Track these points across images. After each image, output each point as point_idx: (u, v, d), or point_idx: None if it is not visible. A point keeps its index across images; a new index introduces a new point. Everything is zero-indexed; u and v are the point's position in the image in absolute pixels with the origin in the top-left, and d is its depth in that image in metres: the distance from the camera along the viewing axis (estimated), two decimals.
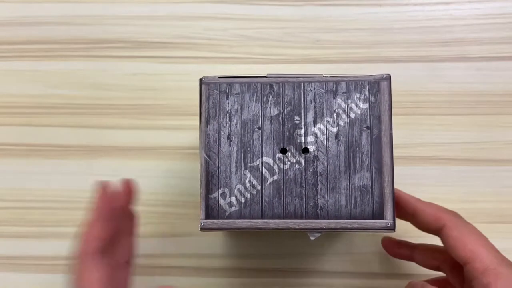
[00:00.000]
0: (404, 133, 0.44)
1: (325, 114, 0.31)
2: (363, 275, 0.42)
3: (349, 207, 0.31)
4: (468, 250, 0.30)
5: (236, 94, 0.32)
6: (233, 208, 0.31)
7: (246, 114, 0.32)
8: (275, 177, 0.31)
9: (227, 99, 0.32)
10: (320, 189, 0.31)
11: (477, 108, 0.44)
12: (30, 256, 0.44)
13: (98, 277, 0.31)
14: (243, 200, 0.31)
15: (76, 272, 0.32)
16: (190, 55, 0.46)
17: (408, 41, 0.45)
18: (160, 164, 0.45)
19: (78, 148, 0.45)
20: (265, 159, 0.31)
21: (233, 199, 0.32)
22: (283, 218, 0.31)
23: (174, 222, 0.44)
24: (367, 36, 0.45)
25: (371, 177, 0.31)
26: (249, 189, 0.31)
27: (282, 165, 0.31)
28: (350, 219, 0.31)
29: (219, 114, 0.32)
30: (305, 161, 0.31)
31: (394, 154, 0.43)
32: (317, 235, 0.31)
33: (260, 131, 0.31)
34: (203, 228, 0.32)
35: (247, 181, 0.31)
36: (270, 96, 0.32)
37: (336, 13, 0.46)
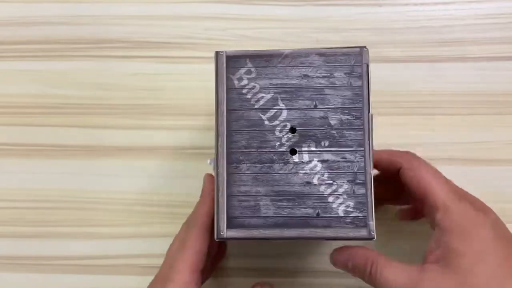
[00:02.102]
0: (404, 133, 0.44)
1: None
2: None
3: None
4: (422, 188, 0.31)
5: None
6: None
7: None
8: None
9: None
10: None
11: (477, 108, 0.44)
12: (30, 256, 0.44)
13: (198, 248, 0.32)
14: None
15: (178, 239, 0.34)
16: (190, 55, 0.46)
17: (408, 41, 0.45)
18: (160, 164, 0.45)
19: (78, 148, 0.45)
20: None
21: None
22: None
23: (175, 222, 0.43)
24: (367, 36, 0.45)
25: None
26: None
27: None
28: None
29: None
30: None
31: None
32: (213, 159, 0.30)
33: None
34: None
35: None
36: None
37: (336, 13, 0.45)
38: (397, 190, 0.35)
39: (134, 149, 0.45)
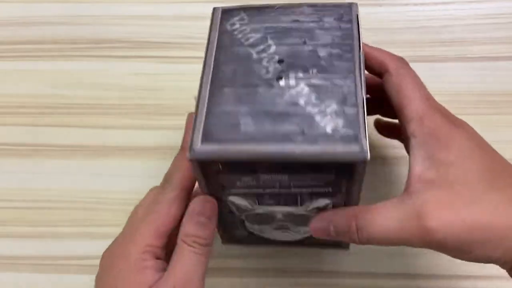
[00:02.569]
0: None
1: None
2: (363, 275, 0.42)
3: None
4: (402, 96, 0.29)
5: None
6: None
7: None
8: None
9: None
10: None
11: (477, 108, 0.44)
12: (30, 256, 0.44)
13: (173, 212, 0.31)
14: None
15: (157, 199, 0.32)
16: (190, 55, 0.46)
17: (408, 41, 0.45)
18: (160, 164, 0.45)
19: (78, 148, 0.45)
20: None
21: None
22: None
23: None
24: (367, 36, 0.45)
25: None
26: None
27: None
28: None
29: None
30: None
31: (394, 154, 0.43)
32: None
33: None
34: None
35: None
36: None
37: None
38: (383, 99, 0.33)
39: (134, 149, 0.45)
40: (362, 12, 0.45)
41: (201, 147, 0.25)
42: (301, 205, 0.29)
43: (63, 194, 0.45)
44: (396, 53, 0.45)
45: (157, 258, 0.30)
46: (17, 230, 0.44)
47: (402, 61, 0.31)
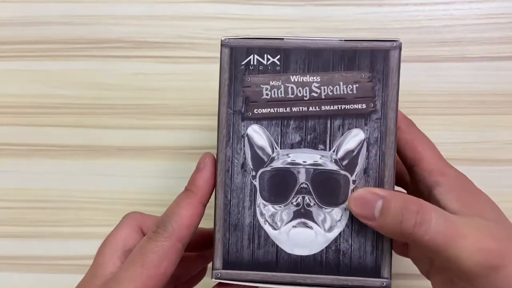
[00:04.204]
0: None
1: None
2: None
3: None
4: (417, 152, 0.29)
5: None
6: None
7: None
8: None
9: None
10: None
11: (477, 108, 0.44)
12: (30, 256, 0.44)
13: (165, 271, 0.26)
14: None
15: (142, 248, 0.27)
16: (190, 55, 0.46)
17: (408, 41, 0.45)
18: (160, 164, 0.45)
19: (78, 148, 0.45)
20: None
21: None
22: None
23: None
24: (367, 36, 0.45)
25: None
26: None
27: None
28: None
29: None
30: None
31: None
32: None
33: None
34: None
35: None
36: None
37: (336, 13, 0.45)
38: None
39: (134, 149, 0.45)
40: (362, 12, 0.46)
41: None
42: (330, 147, 0.27)
43: (62, 194, 0.45)
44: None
45: None
46: (17, 230, 0.44)
47: (410, 120, 0.32)
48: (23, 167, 0.45)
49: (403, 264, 0.42)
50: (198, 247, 0.33)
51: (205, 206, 0.28)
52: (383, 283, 0.26)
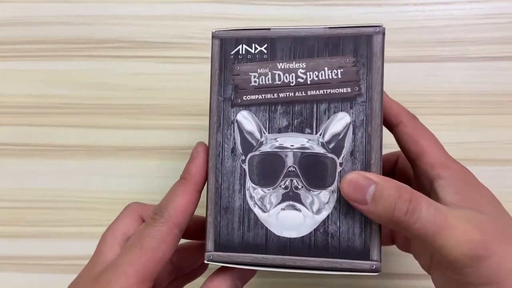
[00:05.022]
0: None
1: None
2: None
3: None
4: (419, 146, 0.30)
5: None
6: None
7: None
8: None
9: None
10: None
11: (477, 108, 0.44)
12: (30, 256, 0.44)
13: (164, 256, 0.26)
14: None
15: (139, 234, 0.27)
16: (190, 55, 0.46)
17: (408, 41, 0.45)
18: (160, 164, 0.45)
19: (78, 148, 0.45)
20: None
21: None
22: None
23: None
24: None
25: None
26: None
27: None
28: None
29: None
30: None
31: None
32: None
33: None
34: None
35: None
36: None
37: (336, 13, 0.45)
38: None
39: (134, 149, 0.45)
40: (362, 12, 0.46)
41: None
42: (317, 130, 0.27)
43: (62, 194, 0.45)
44: (396, 53, 0.45)
45: None
46: (17, 230, 0.44)
47: (414, 115, 0.32)
48: (23, 167, 0.45)
49: (403, 264, 0.42)
50: (198, 234, 0.33)
51: (200, 192, 0.28)
52: (373, 266, 0.26)
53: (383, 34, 0.27)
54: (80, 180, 0.45)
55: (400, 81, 0.44)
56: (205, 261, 0.28)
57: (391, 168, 0.36)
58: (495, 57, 0.44)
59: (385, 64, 0.46)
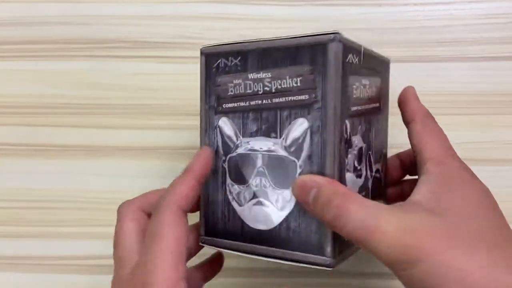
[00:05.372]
0: (404, 133, 0.44)
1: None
2: (363, 275, 0.42)
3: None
4: (423, 141, 0.30)
5: None
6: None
7: None
8: None
9: None
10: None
11: (477, 108, 0.44)
12: (30, 256, 0.44)
13: (177, 234, 0.27)
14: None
15: (154, 224, 0.28)
16: (190, 55, 0.46)
17: (408, 41, 0.45)
18: (160, 164, 0.45)
19: (78, 148, 0.45)
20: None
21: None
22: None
23: None
24: (367, 36, 0.45)
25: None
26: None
27: None
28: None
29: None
30: None
31: (394, 154, 0.43)
32: None
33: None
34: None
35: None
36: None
37: (336, 13, 0.45)
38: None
39: (134, 149, 0.45)
40: (362, 12, 0.46)
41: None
42: (280, 135, 0.30)
43: (63, 194, 0.45)
44: (396, 53, 0.45)
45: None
46: (17, 230, 0.44)
47: (429, 114, 0.33)
48: (23, 167, 0.45)
49: None
50: None
51: (200, 184, 0.30)
52: (326, 261, 0.28)
53: (340, 41, 0.28)
54: (80, 180, 0.45)
55: (400, 81, 0.44)
56: (200, 243, 0.32)
57: (399, 169, 0.37)
58: (495, 57, 0.44)
59: None
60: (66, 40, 0.46)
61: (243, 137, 0.31)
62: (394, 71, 0.44)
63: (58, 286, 0.43)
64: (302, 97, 0.28)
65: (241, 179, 0.31)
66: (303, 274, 0.43)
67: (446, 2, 0.45)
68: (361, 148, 0.31)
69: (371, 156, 0.33)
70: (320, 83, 0.28)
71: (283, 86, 0.29)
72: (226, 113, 0.31)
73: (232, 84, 0.31)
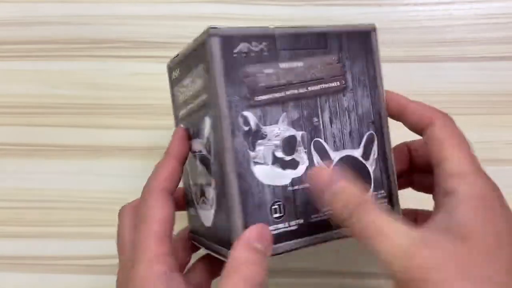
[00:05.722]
0: (404, 133, 0.43)
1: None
2: (363, 275, 0.42)
3: None
4: (444, 150, 0.27)
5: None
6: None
7: None
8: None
9: None
10: None
11: (477, 108, 0.44)
12: (30, 256, 0.44)
13: (160, 215, 0.29)
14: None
15: (141, 208, 0.30)
16: None
17: (408, 41, 0.45)
18: None
19: (78, 148, 0.45)
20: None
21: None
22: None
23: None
24: None
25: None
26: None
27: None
28: None
29: None
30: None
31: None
32: None
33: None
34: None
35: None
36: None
37: (336, 13, 0.46)
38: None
39: (134, 149, 0.45)
40: (362, 12, 0.46)
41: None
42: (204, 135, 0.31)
43: (62, 194, 0.45)
44: (396, 53, 0.45)
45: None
46: (17, 230, 0.44)
47: (448, 117, 0.30)
48: (23, 167, 0.45)
49: None
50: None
51: (181, 162, 0.32)
52: (228, 253, 0.28)
53: (218, 35, 0.28)
54: (80, 180, 0.45)
55: (400, 81, 0.44)
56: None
57: (406, 161, 0.35)
58: (495, 57, 0.44)
59: (385, 64, 0.46)
60: (66, 40, 0.46)
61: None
62: (394, 71, 0.44)
63: (58, 286, 0.43)
64: (204, 97, 0.29)
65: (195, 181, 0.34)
66: (303, 274, 0.43)
67: (446, 2, 0.45)
68: (291, 137, 0.29)
69: (325, 142, 0.30)
70: (209, 81, 0.28)
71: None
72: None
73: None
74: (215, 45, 0.27)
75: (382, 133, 0.32)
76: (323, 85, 0.30)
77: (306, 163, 0.29)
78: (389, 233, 0.24)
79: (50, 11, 0.47)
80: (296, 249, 0.29)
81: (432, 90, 0.44)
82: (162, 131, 0.45)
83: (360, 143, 0.31)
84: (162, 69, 0.46)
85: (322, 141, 0.30)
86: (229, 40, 0.28)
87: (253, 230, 0.27)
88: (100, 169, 0.45)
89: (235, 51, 0.28)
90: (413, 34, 0.45)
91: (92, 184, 0.45)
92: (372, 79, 0.32)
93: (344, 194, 0.26)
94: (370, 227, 0.25)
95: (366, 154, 0.31)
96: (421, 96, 0.44)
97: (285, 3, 0.46)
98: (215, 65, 0.27)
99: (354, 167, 0.31)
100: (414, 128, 0.31)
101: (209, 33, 0.27)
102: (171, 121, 0.46)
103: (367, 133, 0.32)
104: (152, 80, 0.46)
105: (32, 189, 0.45)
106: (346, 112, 0.31)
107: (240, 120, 0.28)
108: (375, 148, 0.32)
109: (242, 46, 0.28)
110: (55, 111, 0.46)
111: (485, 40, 0.44)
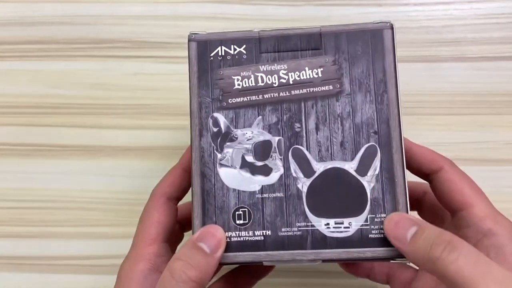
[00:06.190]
0: (403, 133, 0.44)
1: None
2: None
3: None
4: (467, 195, 0.29)
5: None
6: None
7: None
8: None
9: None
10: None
11: (477, 108, 0.44)
12: (30, 256, 0.44)
13: (155, 218, 0.31)
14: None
15: (143, 210, 0.33)
16: None
17: (408, 41, 0.45)
18: (160, 164, 0.45)
19: (78, 148, 0.45)
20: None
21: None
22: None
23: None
24: None
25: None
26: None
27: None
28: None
29: None
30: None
31: None
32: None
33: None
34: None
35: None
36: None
37: (336, 13, 0.46)
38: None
39: (134, 149, 0.45)
40: (362, 12, 0.46)
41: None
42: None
43: (62, 194, 0.45)
44: (396, 53, 0.45)
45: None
46: (17, 230, 0.44)
47: (451, 160, 0.32)
48: (23, 167, 0.45)
49: None
50: None
51: (187, 171, 0.32)
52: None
53: (195, 40, 0.30)
54: (80, 180, 0.45)
55: (400, 81, 0.44)
56: None
57: (417, 202, 0.35)
58: (495, 57, 0.44)
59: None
60: (66, 40, 0.46)
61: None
62: None
63: (58, 286, 0.43)
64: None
65: None
66: (303, 274, 0.43)
67: (446, 2, 0.45)
68: (264, 142, 0.28)
69: (307, 151, 0.28)
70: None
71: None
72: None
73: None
74: (192, 49, 0.30)
75: (389, 147, 0.28)
76: (311, 89, 0.29)
77: (281, 170, 0.28)
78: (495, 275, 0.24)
79: (50, 11, 0.47)
80: (256, 262, 0.27)
81: (432, 90, 0.44)
82: (162, 131, 0.45)
83: (354, 155, 0.28)
84: (162, 69, 0.46)
85: (303, 148, 0.28)
86: (205, 44, 0.30)
87: (202, 230, 0.28)
88: (100, 169, 0.45)
89: (211, 54, 0.29)
90: (413, 34, 0.45)
91: (92, 184, 0.45)
92: (380, 84, 0.29)
93: (425, 232, 0.26)
94: (470, 267, 0.24)
95: (362, 169, 0.28)
96: (421, 96, 0.44)
97: (285, 3, 0.46)
98: (190, 68, 0.30)
99: (341, 182, 0.28)
100: (420, 171, 0.32)
101: (188, 38, 0.30)
102: (171, 121, 0.46)
103: (367, 145, 0.28)
104: (152, 80, 0.46)
105: (32, 189, 0.45)
106: (339, 119, 0.28)
107: (210, 121, 0.29)
108: (376, 163, 0.28)
109: (219, 50, 0.30)
110: (55, 111, 0.46)
111: (484, 40, 0.44)
